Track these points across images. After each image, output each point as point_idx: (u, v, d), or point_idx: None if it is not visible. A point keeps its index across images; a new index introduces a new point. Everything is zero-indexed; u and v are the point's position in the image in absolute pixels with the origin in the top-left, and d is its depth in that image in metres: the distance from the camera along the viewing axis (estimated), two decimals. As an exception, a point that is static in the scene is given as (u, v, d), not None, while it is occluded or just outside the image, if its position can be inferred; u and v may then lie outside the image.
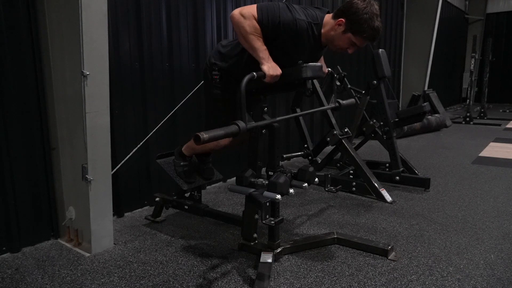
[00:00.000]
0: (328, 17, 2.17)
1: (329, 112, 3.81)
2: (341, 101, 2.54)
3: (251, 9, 2.05)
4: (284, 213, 2.98)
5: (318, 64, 2.21)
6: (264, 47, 2.07)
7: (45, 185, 2.57)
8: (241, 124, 1.84)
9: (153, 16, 3.14)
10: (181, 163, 2.72)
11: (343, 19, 2.07)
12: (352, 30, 2.08)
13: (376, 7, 2.08)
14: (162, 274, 2.17)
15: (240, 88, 1.89)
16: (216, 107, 2.43)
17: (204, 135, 1.68)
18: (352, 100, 2.78)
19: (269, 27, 2.06)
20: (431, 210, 3.11)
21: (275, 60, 2.09)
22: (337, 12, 2.13)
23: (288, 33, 2.08)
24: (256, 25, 2.03)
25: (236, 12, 2.05)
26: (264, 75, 2.04)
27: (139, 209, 3.21)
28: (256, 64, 2.13)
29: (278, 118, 2.18)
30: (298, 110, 4.06)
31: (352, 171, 3.88)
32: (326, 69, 2.55)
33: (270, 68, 2.04)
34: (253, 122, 1.96)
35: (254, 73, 1.97)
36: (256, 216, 2.26)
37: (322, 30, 2.15)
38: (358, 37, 2.10)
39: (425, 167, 4.49)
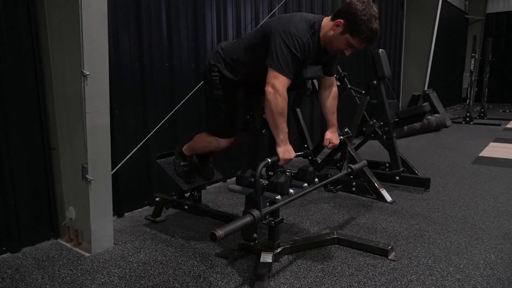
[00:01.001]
0: (326, 20, 2.16)
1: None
2: (353, 167, 2.54)
3: (280, 79, 2.04)
4: (284, 213, 2.98)
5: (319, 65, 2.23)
6: (286, 129, 2.11)
7: (45, 185, 2.57)
8: (256, 213, 1.81)
9: (153, 16, 3.14)
10: (181, 163, 2.72)
11: (341, 20, 2.07)
12: (351, 31, 2.06)
13: (375, 9, 2.06)
14: (162, 274, 2.17)
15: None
16: (217, 107, 2.43)
17: (220, 232, 1.63)
18: (365, 162, 2.80)
19: (295, 69, 2.10)
20: (431, 210, 3.11)
21: None
22: (336, 13, 2.12)
23: (303, 55, 2.10)
24: (285, 103, 2.06)
25: (270, 89, 2.05)
26: (278, 158, 2.10)
27: (139, 209, 3.21)
28: (256, 69, 2.15)
29: None
30: (298, 110, 4.06)
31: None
32: (336, 139, 2.54)
33: (285, 151, 2.11)
34: (268, 207, 1.97)
35: (269, 160, 2.02)
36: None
37: (321, 33, 2.15)
38: (356, 38, 2.08)
39: (425, 167, 4.49)
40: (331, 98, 2.50)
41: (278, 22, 2.13)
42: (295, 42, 2.04)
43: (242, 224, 1.75)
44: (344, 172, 2.51)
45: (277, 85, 2.03)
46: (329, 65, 2.41)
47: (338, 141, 2.51)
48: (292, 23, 2.09)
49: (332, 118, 2.54)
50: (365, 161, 2.84)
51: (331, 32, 2.11)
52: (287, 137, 2.14)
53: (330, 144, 2.51)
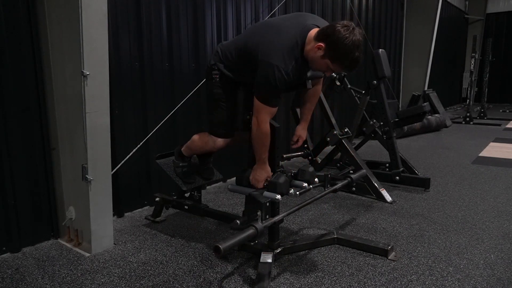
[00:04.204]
0: (311, 35, 2.07)
1: (329, 112, 3.81)
2: (352, 176, 2.60)
3: (265, 111, 2.13)
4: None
5: None
6: (264, 156, 2.23)
7: (45, 185, 2.57)
8: (258, 225, 1.86)
9: (153, 16, 3.14)
10: (181, 164, 2.72)
11: (322, 44, 1.99)
12: (331, 57, 2.00)
13: (359, 37, 1.97)
14: (162, 274, 2.17)
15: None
16: (218, 105, 2.43)
17: (224, 245, 1.67)
18: (363, 171, 2.85)
19: (280, 96, 2.18)
20: (431, 210, 3.11)
21: None
22: (319, 33, 2.03)
23: (286, 83, 2.10)
24: (267, 134, 2.17)
25: (254, 121, 2.17)
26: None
27: (139, 209, 3.21)
28: (249, 70, 2.18)
29: None
30: (298, 110, 4.05)
31: (352, 171, 3.88)
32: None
33: (256, 173, 2.25)
34: (269, 219, 2.04)
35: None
36: (256, 217, 2.26)
37: (304, 49, 2.10)
38: (336, 65, 2.03)
39: (425, 167, 4.49)
40: (314, 96, 2.59)
41: (262, 47, 2.08)
42: (277, 77, 2.03)
43: (245, 237, 1.79)
44: (344, 182, 2.52)
45: (260, 118, 2.14)
46: None
47: (305, 136, 2.60)
48: (275, 50, 2.04)
49: (308, 114, 2.64)
50: (364, 171, 2.88)
51: (312, 53, 2.06)
52: (265, 160, 2.24)
53: (300, 141, 2.63)
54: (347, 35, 1.93)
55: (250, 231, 1.82)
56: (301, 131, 2.68)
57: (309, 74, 2.25)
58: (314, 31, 2.07)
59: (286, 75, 2.05)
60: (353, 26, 1.98)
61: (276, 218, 2.05)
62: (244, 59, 2.25)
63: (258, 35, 2.19)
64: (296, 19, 2.19)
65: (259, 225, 1.85)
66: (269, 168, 2.27)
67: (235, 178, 2.33)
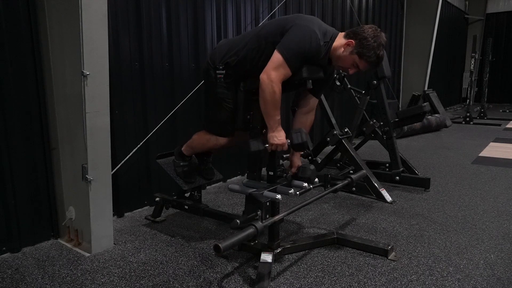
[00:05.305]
0: (340, 36, 2.25)
1: (329, 112, 3.81)
2: (352, 177, 2.60)
3: (279, 71, 2.10)
4: (284, 213, 2.98)
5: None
6: (277, 117, 2.17)
7: (45, 185, 2.57)
8: (258, 224, 1.86)
9: (153, 16, 3.14)
10: (181, 163, 2.72)
11: (353, 41, 2.18)
12: (359, 53, 2.18)
13: (384, 38, 2.21)
14: (162, 274, 2.17)
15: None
16: (220, 106, 2.42)
17: (224, 244, 1.68)
18: (364, 172, 2.84)
19: (297, 66, 2.15)
20: (431, 210, 3.11)
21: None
22: (348, 32, 2.23)
23: (309, 58, 2.17)
24: (279, 94, 2.11)
25: (265, 78, 2.10)
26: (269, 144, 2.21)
27: (139, 209, 3.21)
28: (257, 68, 2.18)
29: None
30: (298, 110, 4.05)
31: (352, 171, 3.88)
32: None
33: (273, 137, 2.18)
34: (270, 218, 2.04)
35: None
36: (257, 216, 2.26)
37: (332, 46, 2.23)
38: (363, 60, 2.20)
39: (425, 167, 4.49)
40: (307, 127, 2.50)
41: (303, 18, 2.22)
42: (313, 41, 2.12)
43: (245, 236, 1.80)
44: (344, 182, 2.53)
45: (273, 76, 2.10)
46: (322, 85, 2.45)
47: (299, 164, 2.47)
48: (316, 24, 2.19)
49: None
50: (364, 171, 2.88)
51: (341, 49, 2.21)
52: (278, 122, 2.19)
53: (293, 169, 2.47)
54: (375, 35, 2.17)
55: (250, 230, 1.82)
56: (297, 161, 2.50)
57: (309, 74, 2.24)
58: (341, 34, 2.26)
59: (318, 47, 2.14)
60: (380, 29, 2.23)
61: (276, 217, 2.05)
62: (270, 38, 2.22)
63: (291, 16, 2.28)
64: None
65: (259, 224, 1.86)
66: (283, 132, 2.22)
67: (234, 178, 2.32)
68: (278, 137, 2.19)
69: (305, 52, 2.11)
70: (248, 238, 1.84)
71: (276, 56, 2.11)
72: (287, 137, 2.22)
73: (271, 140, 2.20)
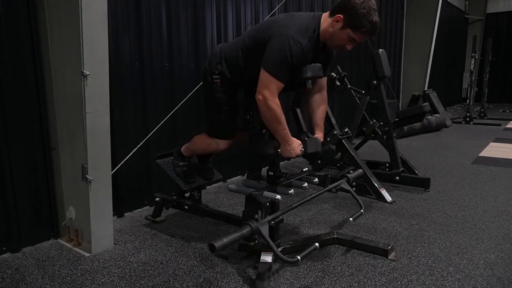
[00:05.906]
0: (325, 16, 2.15)
1: (329, 112, 3.81)
2: (350, 176, 2.58)
3: (271, 85, 2.06)
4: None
5: (318, 64, 2.21)
6: (284, 130, 2.14)
7: (45, 185, 2.57)
8: (254, 224, 1.86)
9: (153, 16, 3.13)
10: (180, 163, 2.72)
11: (341, 15, 2.06)
12: (351, 26, 2.06)
13: (373, 1, 2.06)
14: (162, 274, 2.17)
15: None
16: (218, 109, 2.42)
17: (219, 243, 1.67)
18: (361, 171, 2.79)
19: (288, 75, 2.11)
20: (431, 210, 3.11)
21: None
22: (334, 8, 2.11)
23: (297, 62, 2.10)
24: (279, 110, 2.08)
25: (259, 98, 2.09)
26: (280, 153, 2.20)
27: (139, 209, 3.21)
28: (254, 69, 2.15)
29: None
30: (298, 110, 4.05)
31: (351, 171, 3.88)
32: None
33: (285, 151, 2.17)
34: (267, 217, 2.04)
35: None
36: (256, 216, 2.26)
37: (320, 30, 2.14)
38: (357, 32, 2.07)
39: (425, 167, 4.49)
40: (322, 104, 2.47)
41: (279, 24, 2.12)
42: (293, 49, 2.03)
43: (240, 235, 1.79)
44: (340, 181, 2.52)
45: (266, 94, 2.07)
46: (324, 65, 2.40)
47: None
48: (290, 25, 2.08)
49: (321, 122, 2.50)
50: (361, 170, 2.85)
51: (331, 29, 2.11)
52: (287, 135, 2.16)
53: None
54: (363, 1, 2.02)
55: (245, 229, 1.81)
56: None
57: (309, 74, 2.23)
58: (325, 14, 2.16)
59: (301, 49, 2.05)
60: None
61: (270, 216, 2.05)
62: (250, 50, 2.22)
63: (269, 21, 2.22)
64: (303, 12, 2.25)
65: (254, 223, 1.85)
66: (295, 140, 2.20)
67: (234, 178, 2.32)
68: (291, 150, 2.17)
69: (288, 60, 2.04)
70: (243, 238, 1.83)
71: (263, 75, 2.07)
72: (299, 138, 2.21)
73: (286, 154, 2.19)
